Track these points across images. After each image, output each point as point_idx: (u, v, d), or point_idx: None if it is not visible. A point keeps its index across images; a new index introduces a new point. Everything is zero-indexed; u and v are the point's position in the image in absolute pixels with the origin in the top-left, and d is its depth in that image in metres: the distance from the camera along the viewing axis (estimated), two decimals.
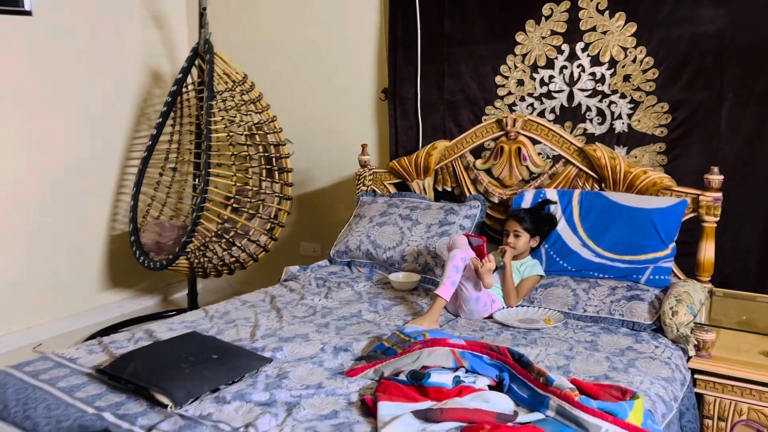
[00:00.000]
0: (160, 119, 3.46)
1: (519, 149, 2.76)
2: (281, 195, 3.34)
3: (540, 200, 2.56)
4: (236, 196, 3.18)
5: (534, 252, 2.49)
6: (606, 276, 2.38)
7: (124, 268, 3.68)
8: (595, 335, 2.12)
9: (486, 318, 2.31)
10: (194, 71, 3.43)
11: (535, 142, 2.76)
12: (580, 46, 2.77)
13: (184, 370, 1.67)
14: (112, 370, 1.72)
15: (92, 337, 3.09)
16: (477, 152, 2.93)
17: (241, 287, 3.72)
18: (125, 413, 1.58)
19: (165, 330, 2.14)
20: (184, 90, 3.46)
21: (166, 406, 1.59)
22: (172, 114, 3.50)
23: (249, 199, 3.20)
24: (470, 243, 2.35)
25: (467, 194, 2.87)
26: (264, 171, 3.33)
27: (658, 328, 2.15)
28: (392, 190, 3.08)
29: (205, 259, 3.24)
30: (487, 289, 2.28)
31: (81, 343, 2.14)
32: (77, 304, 3.51)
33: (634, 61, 2.67)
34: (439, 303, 2.23)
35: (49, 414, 1.59)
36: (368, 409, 1.60)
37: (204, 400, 1.64)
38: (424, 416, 1.52)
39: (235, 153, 3.16)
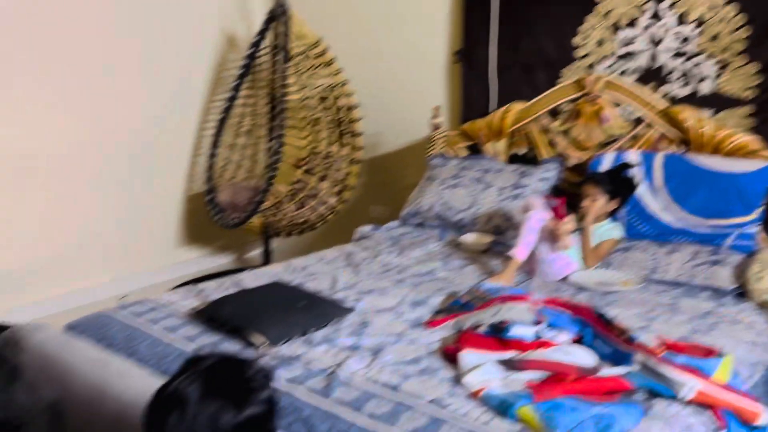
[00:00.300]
0: (236, 82, 3.56)
1: (598, 111, 2.70)
2: (351, 158, 3.40)
3: (619, 163, 2.51)
4: (308, 158, 3.26)
5: (613, 215, 2.46)
6: (687, 240, 2.33)
7: (200, 227, 3.84)
8: (676, 299, 2.09)
9: (560, 280, 2.31)
10: (269, 34, 3.49)
11: (615, 103, 2.70)
12: (665, 4, 2.67)
13: (275, 314, 1.77)
14: (209, 312, 1.83)
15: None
16: (553, 115, 2.89)
17: (311, 249, 3.82)
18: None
19: (251, 280, 2.25)
20: (259, 53, 3.54)
21: (257, 348, 1.69)
22: (247, 77, 3.59)
23: (320, 162, 3.27)
24: (547, 205, 2.35)
25: (542, 157, 2.85)
26: (335, 134, 3.39)
27: (742, 293, 2.11)
28: (464, 153, 3.08)
29: (277, 218, 3.34)
30: (564, 251, 2.27)
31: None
32: (157, 260, 3.69)
33: (723, 20, 2.56)
34: (514, 264, 2.25)
35: (153, 351, 1.71)
36: (450, 358, 1.65)
37: (294, 341, 1.73)
38: (507, 365, 1.56)
39: (307, 116, 3.23)
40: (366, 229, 2.92)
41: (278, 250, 4.06)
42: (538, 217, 2.27)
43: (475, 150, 3.05)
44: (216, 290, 2.14)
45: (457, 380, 1.54)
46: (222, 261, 4.03)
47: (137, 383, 1.39)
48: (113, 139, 3.36)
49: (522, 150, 2.94)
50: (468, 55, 3.18)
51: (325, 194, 3.34)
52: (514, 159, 2.96)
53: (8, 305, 2.90)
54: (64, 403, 1.40)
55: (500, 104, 3.04)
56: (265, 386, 1.00)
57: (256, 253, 4.14)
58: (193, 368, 1.00)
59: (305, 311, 1.82)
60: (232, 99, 3.57)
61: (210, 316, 1.83)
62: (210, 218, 3.47)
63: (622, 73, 2.80)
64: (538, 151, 2.88)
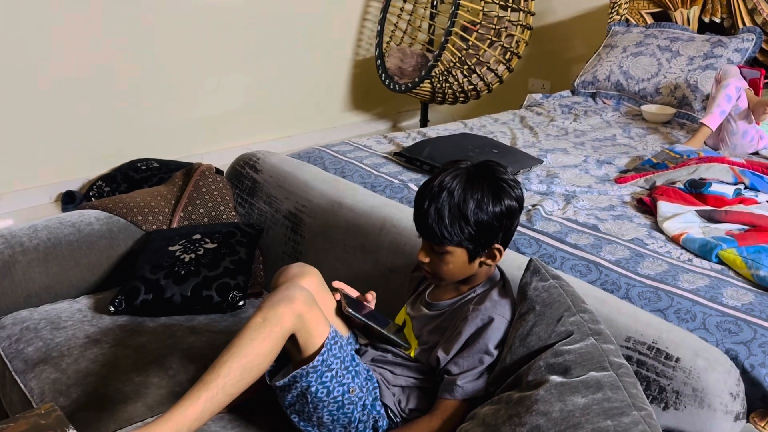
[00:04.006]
0: None
1: None
2: (523, 24, 3.34)
3: None
4: (482, 23, 3.25)
5: None
6: None
7: (363, 92, 4.03)
8: None
9: (751, 154, 2.24)
10: None
11: None
12: None
13: (472, 158, 1.90)
14: (410, 152, 2.01)
15: None
16: None
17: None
18: None
19: (434, 133, 2.39)
20: None
21: None
22: None
23: (493, 26, 3.25)
24: (743, 75, 2.23)
25: (740, 26, 2.65)
26: None
27: None
28: (649, 20, 2.93)
29: (447, 84, 3.42)
30: (758, 124, 2.18)
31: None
32: (325, 121, 3.95)
33: None
34: (704, 132, 2.20)
35: (364, 181, 1.93)
36: (645, 208, 1.72)
37: None
38: (708, 216, 1.61)
39: None
40: (536, 96, 2.93)
41: (433, 120, 4.18)
42: (737, 85, 2.17)
43: (663, 17, 2.88)
44: (405, 139, 2.31)
45: (654, 227, 1.62)
46: (380, 127, 4.23)
47: (367, 198, 1.60)
48: (288, 8, 3.51)
49: (718, 18, 2.74)
50: None
51: (494, 61, 3.35)
52: (706, 28, 2.78)
53: (201, 150, 3.30)
54: (303, 212, 1.66)
55: None
56: (516, 186, 1.14)
57: (411, 122, 4.29)
58: (453, 168, 1.16)
59: (499, 158, 1.94)
60: None
61: (409, 157, 2.00)
62: (379, 82, 3.62)
63: None
64: (737, 19, 2.67)
